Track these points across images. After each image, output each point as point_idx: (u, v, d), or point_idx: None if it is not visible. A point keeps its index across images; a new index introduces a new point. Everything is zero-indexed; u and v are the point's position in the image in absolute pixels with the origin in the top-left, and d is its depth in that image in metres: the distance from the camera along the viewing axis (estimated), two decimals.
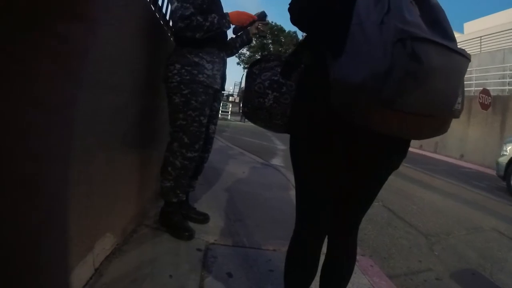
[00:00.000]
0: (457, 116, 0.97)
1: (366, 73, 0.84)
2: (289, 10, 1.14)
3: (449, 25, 0.96)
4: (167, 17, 2.73)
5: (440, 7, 1.01)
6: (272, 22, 32.93)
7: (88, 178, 1.47)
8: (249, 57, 34.82)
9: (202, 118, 2.16)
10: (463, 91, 0.97)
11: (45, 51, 1.04)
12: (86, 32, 1.29)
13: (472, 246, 3.18)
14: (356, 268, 1.87)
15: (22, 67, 0.93)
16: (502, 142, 7.47)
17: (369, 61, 0.85)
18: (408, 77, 0.81)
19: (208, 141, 2.42)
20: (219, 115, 2.59)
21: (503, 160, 6.70)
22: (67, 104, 1.22)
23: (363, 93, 0.86)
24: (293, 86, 1.18)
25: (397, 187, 5.13)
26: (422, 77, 0.82)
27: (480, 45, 16.42)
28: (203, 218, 2.50)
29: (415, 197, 4.91)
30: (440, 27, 0.94)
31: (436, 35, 0.88)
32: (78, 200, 1.40)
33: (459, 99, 0.94)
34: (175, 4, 2.03)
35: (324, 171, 1.10)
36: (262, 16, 2.37)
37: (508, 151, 6.70)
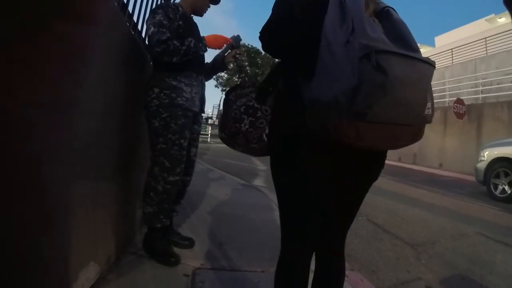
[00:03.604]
0: (429, 121, 1.01)
1: (336, 91, 0.88)
2: (260, 38, 1.18)
3: (412, 37, 1.02)
4: (146, 42, 2.73)
5: (402, 21, 1.07)
6: (249, 44, 33.44)
7: (69, 207, 1.43)
8: (227, 79, 35.11)
9: (182, 141, 2.15)
10: (431, 96, 1.01)
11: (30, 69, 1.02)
12: (71, 57, 1.28)
13: (459, 252, 3.21)
14: (346, 283, 1.85)
15: None
16: (479, 148, 7.68)
17: (338, 79, 0.89)
18: (376, 88, 0.84)
19: (189, 164, 2.40)
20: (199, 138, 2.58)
21: (482, 165, 6.90)
22: (50, 130, 1.20)
23: (335, 110, 0.89)
24: (268, 110, 1.21)
25: (380, 200, 5.17)
26: (389, 87, 0.85)
27: (452, 57, 17.02)
28: (188, 243, 2.46)
29: (399, 209, 4.95)
30: (404, 40, 0.99)
31: (400, 47, 0.93)
32: (60, 230, 1.35)
33: (429, 104, 0.98)
34: (152, 29, 2.05)
35: (306, 188, 1.10)
36: (237, 40, 2.42)
37: (485, 156, 6.90)
